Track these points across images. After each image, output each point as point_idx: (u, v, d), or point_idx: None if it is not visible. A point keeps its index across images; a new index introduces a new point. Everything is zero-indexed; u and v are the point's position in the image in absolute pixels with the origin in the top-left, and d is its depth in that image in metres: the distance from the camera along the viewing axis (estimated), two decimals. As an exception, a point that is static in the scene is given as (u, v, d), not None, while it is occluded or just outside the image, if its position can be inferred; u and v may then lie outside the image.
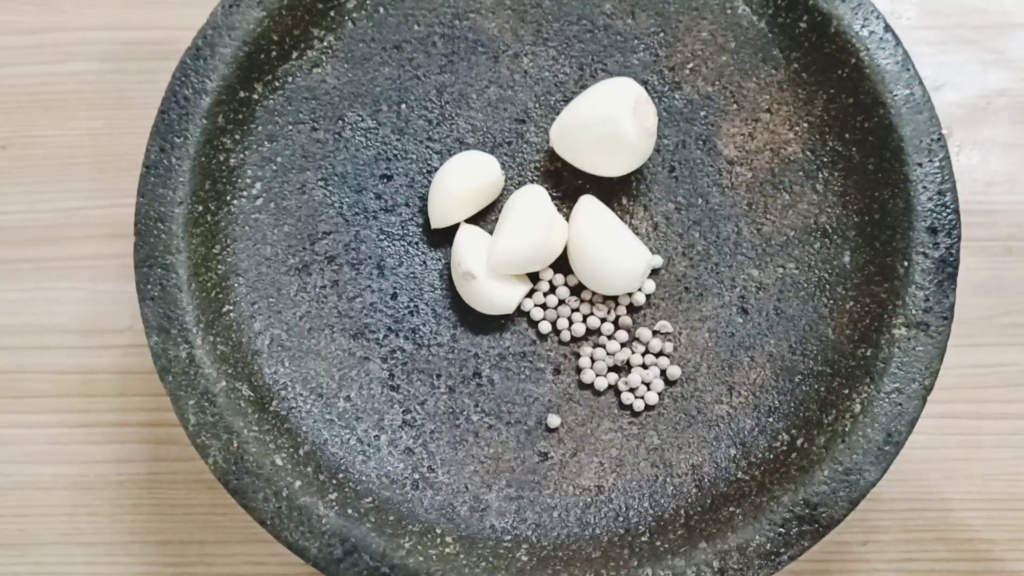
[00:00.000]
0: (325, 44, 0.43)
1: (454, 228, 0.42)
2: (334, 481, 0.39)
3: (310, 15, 0.42)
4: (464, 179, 0.41)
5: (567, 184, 0.44)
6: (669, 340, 0.43)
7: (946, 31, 0.49)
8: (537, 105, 0.44)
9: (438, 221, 0.42)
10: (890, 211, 0.40)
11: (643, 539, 0.39)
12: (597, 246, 0.41)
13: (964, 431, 0.45)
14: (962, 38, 0.49)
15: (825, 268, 0.42)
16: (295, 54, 0.43)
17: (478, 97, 0.44)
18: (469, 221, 0.43)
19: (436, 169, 0.43)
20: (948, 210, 0.39)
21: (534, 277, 0.43)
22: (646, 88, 0.42)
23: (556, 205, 0.43)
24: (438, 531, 0.39)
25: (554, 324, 0.43)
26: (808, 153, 0.42)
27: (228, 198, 0.42)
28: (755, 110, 0.43)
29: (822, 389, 0.40)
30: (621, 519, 0.40)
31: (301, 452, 0.40)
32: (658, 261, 0.43)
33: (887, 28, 0.40)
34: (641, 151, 0.42)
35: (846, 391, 0.39)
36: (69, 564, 0.45)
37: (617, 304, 0.43)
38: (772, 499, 0.38)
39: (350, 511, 0.38)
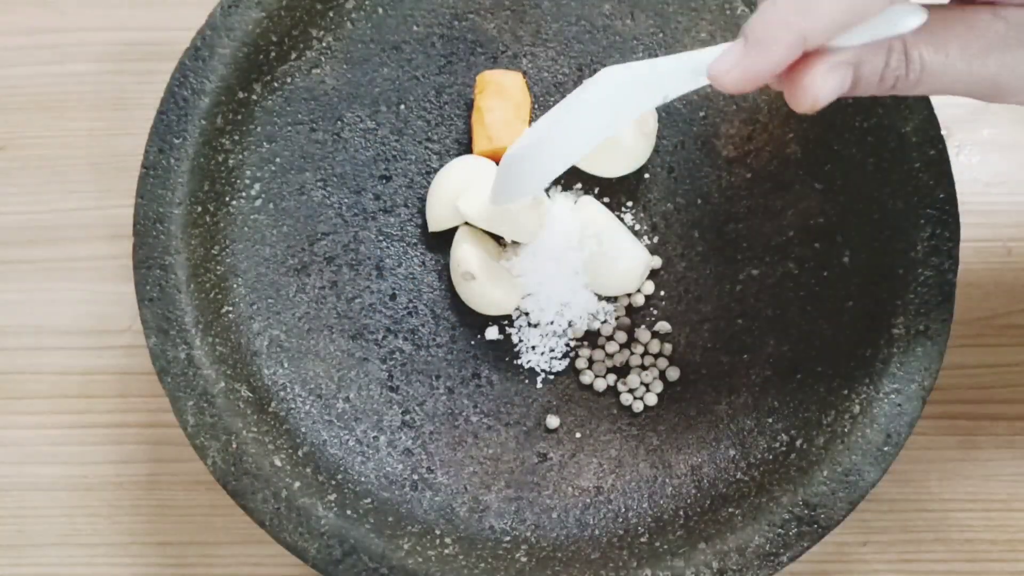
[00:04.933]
0: (324, 45, 0.43)
1: (453, 229, 0.42)
2: (333, 482, 0.39)
3: (309, 16, 0.42)
4: (462, 184, 0.41)
5: (566, 184, 0.44)
6: (668, 341, 0.43)
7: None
8: (536, 106, 0.44)
9: (435, 225, 0.42)
10: (889, 211, 0.40)
11: (642, 540, 0.39)
12: (596, 247, 0.41)
13: (964, 431, 0.45)
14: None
15: (825, 268, 0.42)
16: (294, 55, 0.43)
17: (477, 98, 0.44)
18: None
19: (435, 170, 0.43)
20: (948, 210, 0.39)
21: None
22: (645, 88, 0.42)
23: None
24: (437, 532, 0.39)
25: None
26: (807, 153, 0.42)
27: (227, 199, 0.42)
28: (754, 110, 0.43)
29: (821, 389, 0.40)
30: (620, 520, 0.40)
31: (300, 453, 0.40)
32: (657, 262, 0.43)
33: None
34: (640, 153, 0.42)
35: (845, 391, 0.39)
36: (68, 565, 0.45)
37: (616, 305, 0.43)
38: (771, 500, 0.38)
39: (349, 512, 0.38)
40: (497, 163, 0.42)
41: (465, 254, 0.41)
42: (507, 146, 0.42)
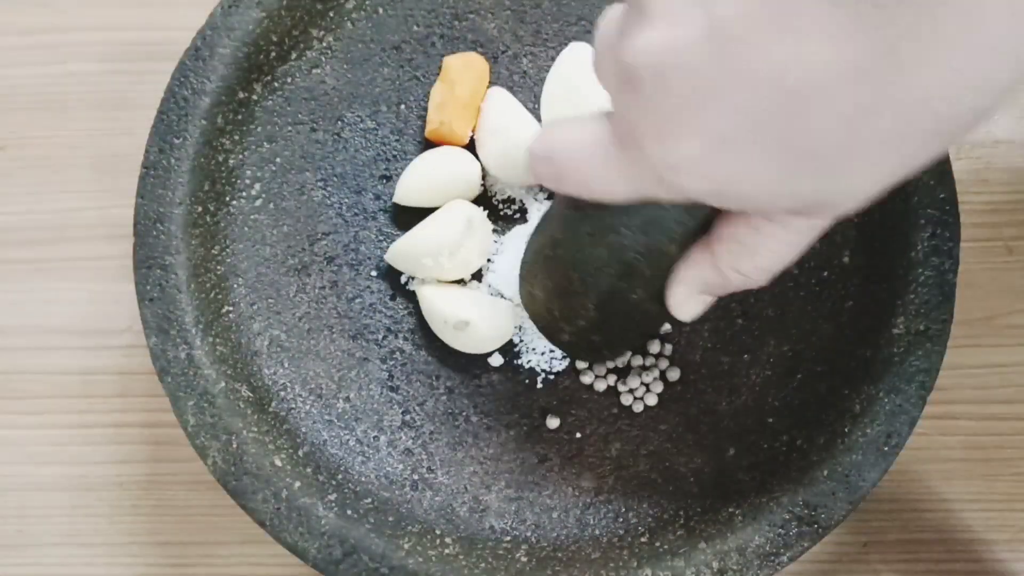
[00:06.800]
0: (324, 45, 0.43)
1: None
2: (333, 482, 0.39)
3: (309, 16, 0.42)
4: (439, 169, 0.41)
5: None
6: (668, 341, 0.43)
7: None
8: (536, 106, 0.44)
9: (402, 197, 0.42)
10: (890, 211, 0.40)
11: (642, 540, 0.39)
12: None
13: (964, 431, 0.45)
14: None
15: (825, 268, 0.42)
16: (294, 55, 0.43)
17: (477, 98, 0.44)
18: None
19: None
20: (948, 210, 0.39)
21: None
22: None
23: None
24: (437, 532, 0.39)
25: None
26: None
27: (227, 199, 0.42)
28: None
29: (822, 389, 0.40)
30: (620, 520, 0.40)
31: (300, 453, 0.40)
32: None
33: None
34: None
35: (846, 391, 0.39)
36: (68, 566, 0.45)
37: (616, 305, 0.43)
38: (772, 500, 0.38)
39: (349, 512, 0.38)
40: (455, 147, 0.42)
41: (449, 305, 0.40)
42: (456, 130, 0.42)
